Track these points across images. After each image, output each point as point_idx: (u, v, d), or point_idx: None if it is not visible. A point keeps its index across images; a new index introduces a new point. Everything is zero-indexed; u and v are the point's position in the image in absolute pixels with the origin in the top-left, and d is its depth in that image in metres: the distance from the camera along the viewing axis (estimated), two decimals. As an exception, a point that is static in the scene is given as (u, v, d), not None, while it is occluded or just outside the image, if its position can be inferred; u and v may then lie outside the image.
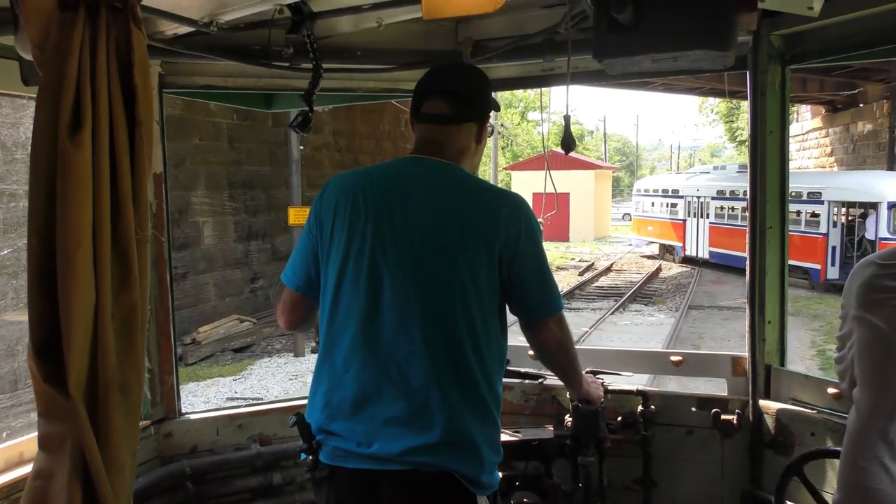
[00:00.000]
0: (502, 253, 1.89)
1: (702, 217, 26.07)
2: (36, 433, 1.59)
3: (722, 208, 24.94)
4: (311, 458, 1.95)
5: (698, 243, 26.04)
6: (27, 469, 2.03)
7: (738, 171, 25.38)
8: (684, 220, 27.33)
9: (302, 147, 13.09)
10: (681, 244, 27.42)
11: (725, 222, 24.47)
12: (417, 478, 1.84)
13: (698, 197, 26.51)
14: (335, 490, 1.93)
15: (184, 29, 2.45)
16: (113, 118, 1.60)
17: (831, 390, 2.68)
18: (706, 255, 25.27)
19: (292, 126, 2.74)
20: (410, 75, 3.18)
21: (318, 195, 2.05)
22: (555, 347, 2.08)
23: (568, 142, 2.33)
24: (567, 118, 2.35)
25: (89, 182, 1.53)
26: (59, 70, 1.55)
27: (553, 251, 29.41)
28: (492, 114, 2.19)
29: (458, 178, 2.00)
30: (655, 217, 29.80)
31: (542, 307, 2.01)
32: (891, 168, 21.57)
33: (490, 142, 29.27)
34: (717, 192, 25.45)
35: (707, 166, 33.97)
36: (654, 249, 30.30)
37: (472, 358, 1.88)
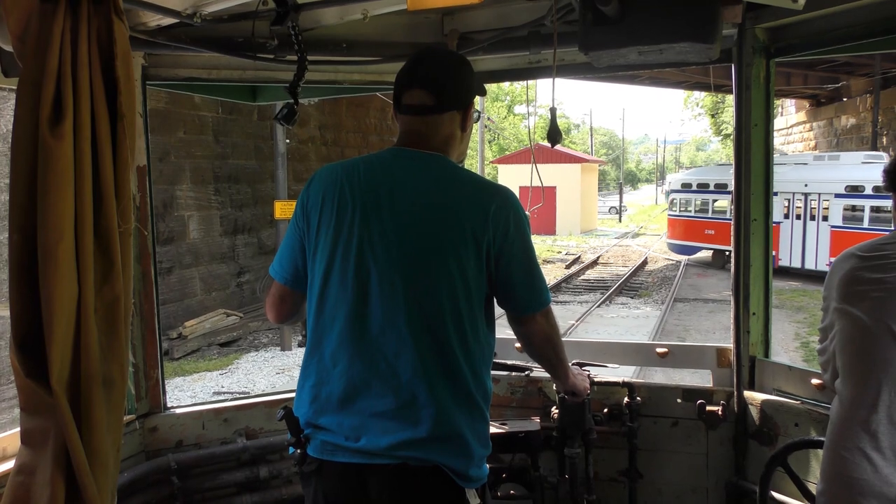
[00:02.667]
0: (490, 246, 1.89)
1: (811, 219, 20.75)
2: (18, 428, 1.58)
3: (853, 208, 19.68)
4: (299, 451, 1.94)
5: (805, 252, 20.83)
6: (10, 465, 2.01)
7: (865, 162, 19.99)
8: (779, 223, 20.90)
9: (288, 141, 13.02)
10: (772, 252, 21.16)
11: (865, 226, 18.91)
12: (405, 472, 1.84)
13: (805, 194, 20.88)
14: (323, 484, 1.92)
15: (167, 20, 2.43)
16: (95, 110, 1.59)
17: (815, 381, 2.71)
18: (824, 266, 19.26)
19: (277, 118, 2.72)
20: (396, 68, 3.12)
21: (305, 187, 2.03)
22: (542, 340, 2.08)
23: (554, 134, 2.34)
24: (553, 111, 2.36)
25: (71, 175, 1.51)
26: (40, 61, 1.54)
27: (540, 244, 29.43)
28: (478, 99, 2.16)
29: (446, 169, 1.99)
30: (717, 218, 23.62)
31: (529, 301, 2.00)
32: (874, 161, 21.73)
33: (477, 135, 29.26)
34: (848, 188, 19.81)
35: (804, 155, 25.76)
36: (701, 257, 24.89)
37: (460, 352, 1.88)
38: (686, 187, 26.01)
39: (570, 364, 2.33)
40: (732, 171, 2.97)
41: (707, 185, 24.67)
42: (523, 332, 2.06)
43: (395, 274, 1.86)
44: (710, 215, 24.20)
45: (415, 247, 1.88)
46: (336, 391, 1.89)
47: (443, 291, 1.86)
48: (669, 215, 26.99)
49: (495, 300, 2.01)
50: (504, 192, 1.97)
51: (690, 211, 25.16)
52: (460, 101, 2.04)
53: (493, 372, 2.34)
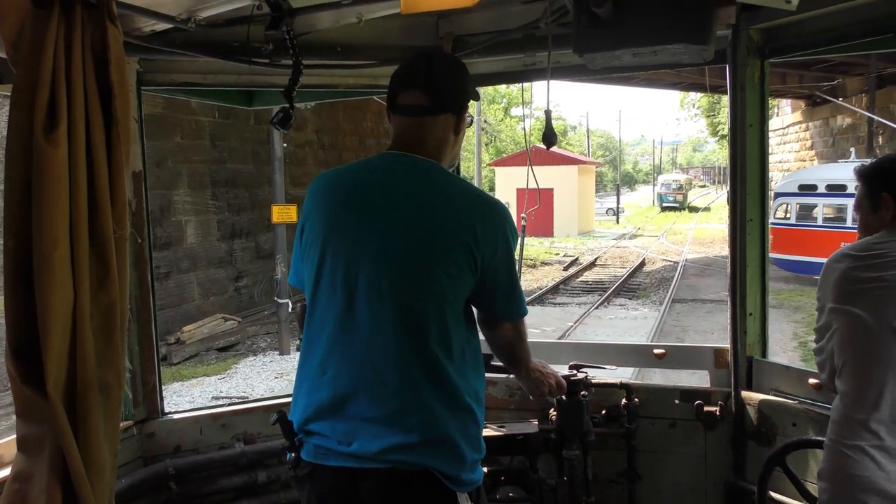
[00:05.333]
0: (478, 258, 1.89)
1: None
2: (14, 435, 1.57)
3: None
4: (293, 455, 1.95)
5: None
6: (6, 472, 2.01)
7: None
8: None
9: (285, 145, 13.00)
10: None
11: None
12: (396, 475, 1.84)
13: None
14: (317, 488, 1.93)
15: (161, 25, 2.43)
16: (89, 116, 1.59)
17: (812, 381, 2.71)
18: None
19: (273, 122, 2.72)
20: (392, 71, 3.14)
21: (306, 197, 2.05)
22: (504, 345, 2.13)
23: (549, 136, 2.34)
24: (548, 112, 2.36)
25: (66, 180, 1.51)
26: (34, 67, 1.54)
27: (537, 246, 29.35)
28: (472, 103, 2.17)
29: (438, 178, 1.98)
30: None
31: (505, 313, 2.05)
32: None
33: (473, 138, 29.25)
34: None
35: None
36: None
37: (445, 359, 1.87)
38: (807, 190, 20.40)
39: (532, 369, 2.31)
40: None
41: (844, 188, 18.83)
42: (490, 334, 2.11)
43: (382, 280, 1.86)
44: (849, 225, 18.57)
45: (403, 253, 1.88)
46: (326, 398, 1.90)
47: (429, 300, 1.86)
48: (776, 224, 19.87)
49: (471, 303, 2.02)
50: (495, 205, 1.98)
51: (816, 219, 19.97)
52: (455, 103, 2.04)
53: (491, 375, 2.34)
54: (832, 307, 2.02)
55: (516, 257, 2.11)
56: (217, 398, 9.90)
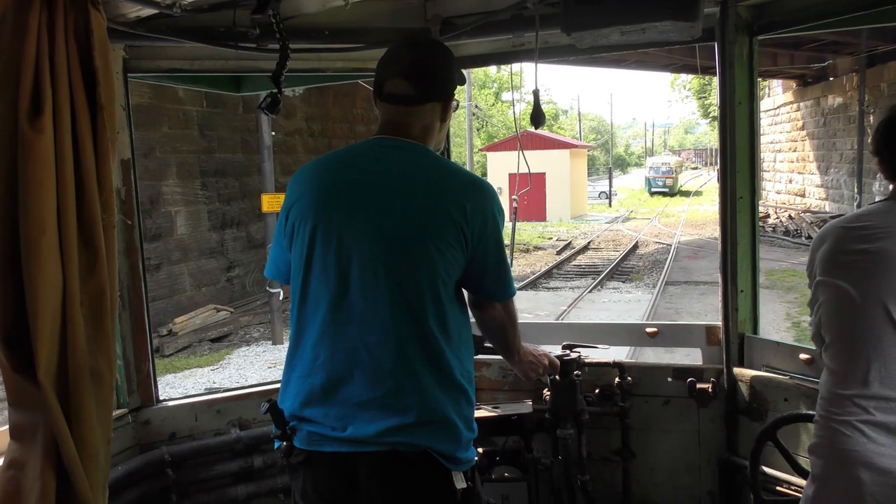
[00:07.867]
0: (468, 236, 1.90)
1: None
2: (7, 424, 1.57)
3: None
4: (284, 444, 1.95)
5: None
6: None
7: None
8: None
9: (274, 133, 12.94)
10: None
11: None
12: (394, 457, 1.85)
13: None
14: (313, 474, 1.93)
15: (146, 11, 2.40)
16: (74, 102, 1.58)
17: (803, 356, 2.73)
18: None
19: (261, 107, 2.70)
20: (379, 54, 3.12)
21: (288, 185, 2.04)
22: (496, 326, 2.13)
23: (537, 116, 2.34)
24: (536, 93, 2.36)
25: (52, 167, 1.51)
26: (17, 54, 1.53)
27: (530, 231, 29.36)
28: (460, 88, 2.17)
29: (427, 160, 1.99)
30: None
31: (494, 292, 2.05)
32: (860, 140, 21.77)
33: (464, 123, 29.15)
34: None
35: None
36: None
37: (441, 338, 1.89)
38: None
39: (524, 353, 2.33)
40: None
41: None
42: (481, 315, 2.11)
43: (376, 263, 1.87)
44: None
45: (396, 236, 1.88)
46: (318, 383, 1.90)
47: (423, 280, 1.87)
48: None
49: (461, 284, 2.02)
50: (483, 186, 1.99)
51: None
52: (442, 92, 2.05)
53: (484, 356, 2.35)
54: (819, 280, 2.03)
55: (506, 241, 2.11)
56: (211, 389, 9.90)
